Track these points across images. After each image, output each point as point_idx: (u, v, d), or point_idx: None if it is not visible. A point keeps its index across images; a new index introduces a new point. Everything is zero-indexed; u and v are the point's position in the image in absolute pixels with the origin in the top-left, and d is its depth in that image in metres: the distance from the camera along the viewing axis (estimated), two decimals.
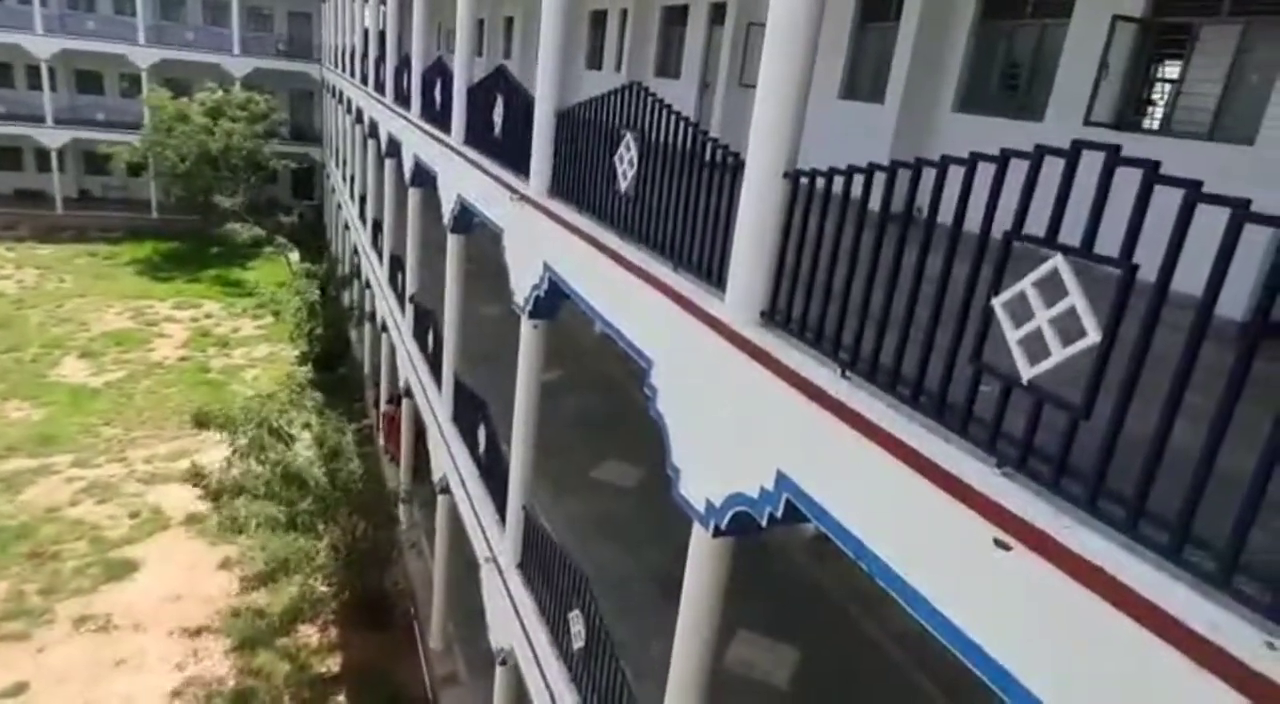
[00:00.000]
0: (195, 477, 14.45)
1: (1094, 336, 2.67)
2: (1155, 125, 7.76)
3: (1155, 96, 7.89)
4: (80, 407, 22.72)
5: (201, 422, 15.18)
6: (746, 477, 4.50)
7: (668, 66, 16.87)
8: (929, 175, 3.38)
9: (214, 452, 16.48)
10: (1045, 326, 2.84)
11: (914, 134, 9.74)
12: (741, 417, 4.69)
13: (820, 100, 9.42)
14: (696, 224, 5.17)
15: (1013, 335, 2.97)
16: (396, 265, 17.84)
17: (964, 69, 9.52)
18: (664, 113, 5.55)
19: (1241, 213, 2.26)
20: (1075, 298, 2.74)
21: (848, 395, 3.73)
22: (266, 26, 44.45)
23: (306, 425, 15.78)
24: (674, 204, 5.47)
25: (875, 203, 3.70)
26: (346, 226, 28.92)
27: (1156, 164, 2.48)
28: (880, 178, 3.66)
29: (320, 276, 29.47)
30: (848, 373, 3.81)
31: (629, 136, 6.16)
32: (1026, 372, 2.93)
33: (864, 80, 10.99)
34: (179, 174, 36.18)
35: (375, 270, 21.21)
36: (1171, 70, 7.70)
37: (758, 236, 4.45)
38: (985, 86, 9.48)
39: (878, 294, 3.67)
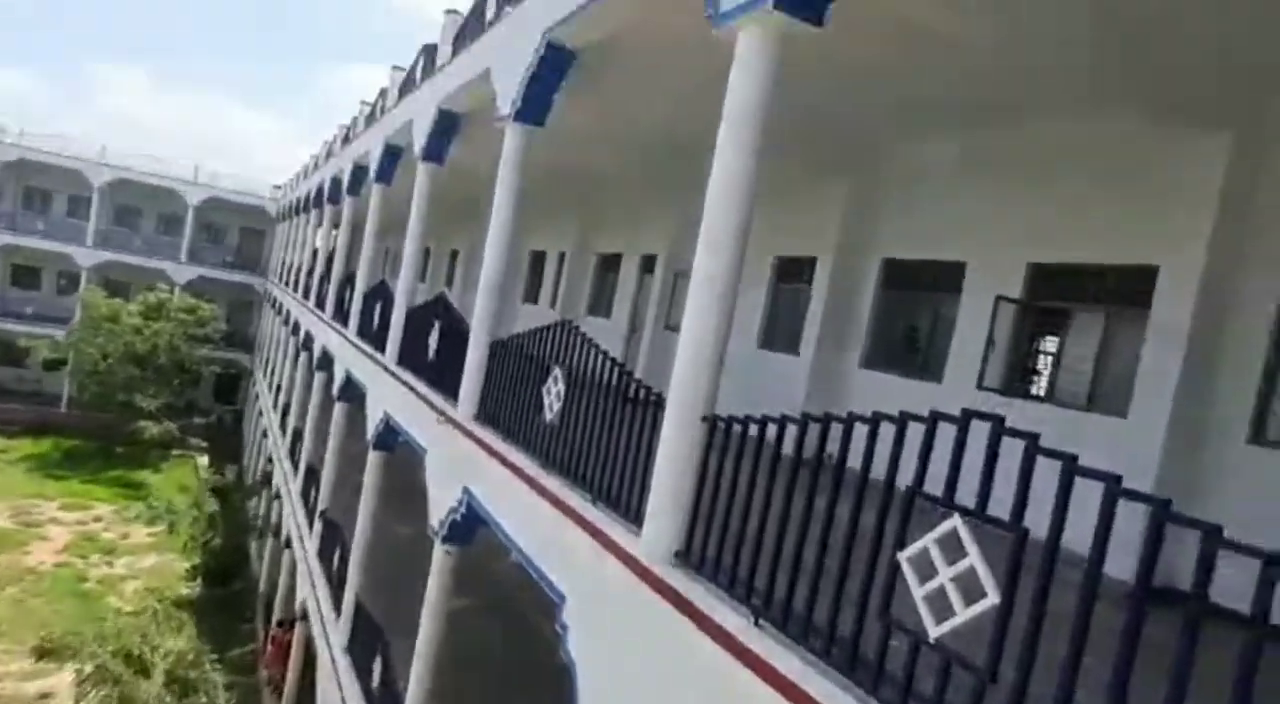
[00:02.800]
0: None
1: (993, 597, 2.75)
2: (1041, 393, 8.43)
3: (1039, 367, 8.64)
4: None
5: (45, 652, 13.67)
6: None
7: (600, 306, 17.83)
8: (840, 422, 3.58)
9: (70, 674, 14.71)
10: (948, 584, 2.91)
11: (826, 385, 10.33)
12: (655, 662, 4.51)
13: (741, 348, 10.03)
14: (617, 459, 5.26)
15: (918, 591, 3.03)
16: (311, 478, 17.30)
17: (870, 331, 10.35)
18: (592, 350, 5.82)
19: (1114, 488, 2.45)
20: (974, 558, 2.85)
21: (759, 644, 3.66)
22: (219, 239, 45.87)
23: (165, 655, 14.29)
24: (597, 438, 5.58)
25: (790, 445, 3.86)
26: (265, 434, 28.24)
27: (1036, 436, 2.70)
28: (793, 426, 3.85)
29: (227, 484, 28.22)
30: (760, 621, 3.77)
31: (557, 370, 6.39)
32: (933, 629, 2.95)
33: (781, 333, 11.79)
34: (97, 371, 35.37)
35: (289, 481, 20.49)
36: (1051, 346, 8.51)
37: (676, 476, 4.54)
38: (889, 348, 10.27)
39: (790, 540, 3.73)
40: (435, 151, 11.26)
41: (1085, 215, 7.82)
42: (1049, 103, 7.60)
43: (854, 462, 3.42)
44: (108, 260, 40.56)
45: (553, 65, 7.60)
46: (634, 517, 4.93)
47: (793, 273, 11.74)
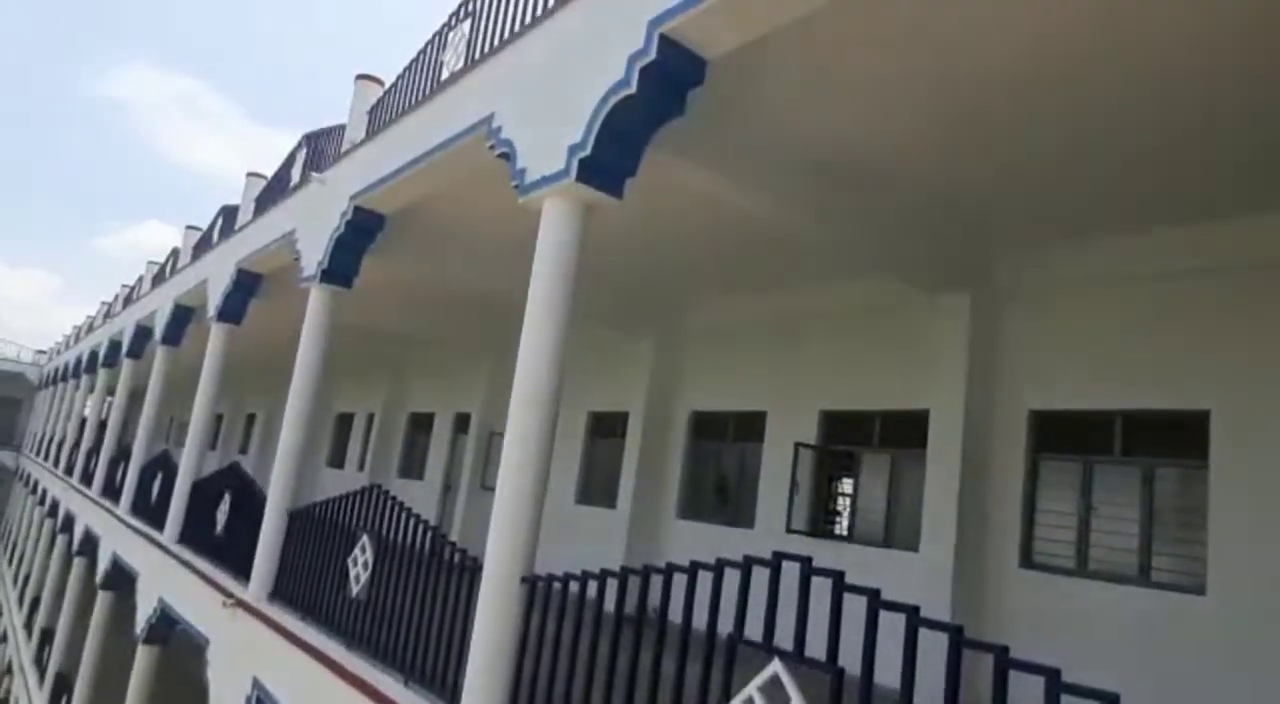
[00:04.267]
0: None
1: None
2: (845, 532, 8.91)
3: (840, 508, 9.18)
4: None
5: None
6: None
7: (411, 468, 17.17)
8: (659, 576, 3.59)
9: None
10: None
11: (644, 536, 10.37)
12: None
13: (559, 505, 9.94)
14: (431, 632, 4.94)
15: None
16: (62, 688, 14.79)
17: (683, 481, 10.62)
18: (404, 515, 5.56)
19: (914, 619, 2.61)
20: (797, 701, 2.88)
21: None
22: None
23: None
24: (409, 609, 5.24)
25: (611, 600, 3.80)
26: (3, 638, 24.04)
27: (841, 574, 2.85)
28: (614, 581, 3.82)
29: None
30: None
31: (365, 538, 6.03)
32: None
33: (598, 488, 11.83)
34: None
35: (30, 693, 17.37)
36: (849, 487, 9.10)
37: (495, 643, 4.32)
38: (702, 497, 10.56)
39: (618, 700, 3.61)
40: (233, 311, 10.76)
41: (866, 366, 8.65)
42: (824, 269, 8.52)
43: (675, 613, 3.43)
44: None
45: (361, 229, 7.64)
46: (450, 694, 4.60)
47: (607, 427, 11.96)
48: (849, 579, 2.84)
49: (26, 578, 23.56)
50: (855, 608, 2.77)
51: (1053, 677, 2.25)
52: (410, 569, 5.37)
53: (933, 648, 2.60)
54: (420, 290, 11.24)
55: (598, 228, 4.87)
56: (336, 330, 8.07)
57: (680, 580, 3.48)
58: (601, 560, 4.22)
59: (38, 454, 29.62)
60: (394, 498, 5.83)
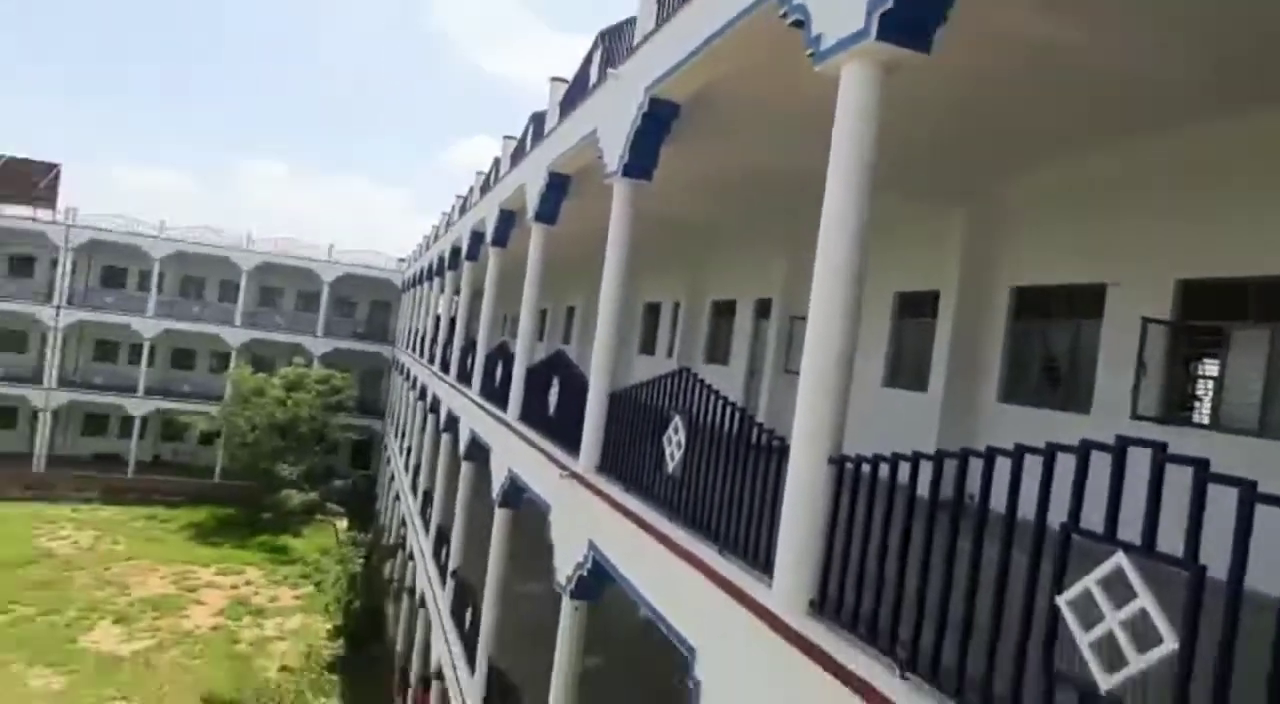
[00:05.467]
0: None
1: (1170, 644, 2.48)
2: (1204, 420, 7.75)
3: (1200, 392, 7.96)
4: (103, 677, 21.88)
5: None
6: None
7: (717, 353, 17.76)
8: (978, 461, 3.38)
9: None
10: (1118, 630, 2.66)
11: (959, 421, 9.85)
12: None
13: (864, 388, 9.73)
14: (743, 508, 5.14)
15: (1083, 639, 2.77)
16: (442, 538, 17.76)
17: (1004, 362, 9.83)
18: (712, 397, 5.76)
19: None
20: (1145, 600, 2.59)
21: (907, 698, 3.43)
22: (350, 313, 48.70)
23: None
24: (720, 487, 5.48)
25: (924, 486, 3.66)
26: (398, 497, 29.32)
27: (1206, 462, 2.45)
28: (927, 464, 3.66)
29: (365, 546, 29.40)
30: (906, 673, 3.54)
31: (677, 419, 6.35)
32: (1104, 680, 2.69)
33: (906, 370, 11.38)
34: (245, 443, 37.87)
35: (420, 542, 21.12)
36: (1212, 368, 7.84)
37: (804, 522, 4.39)
38: (1026, 379, 9.72)
39: (935, 586, 3.52)
40: (547, 212, 11.62)
41: (1238, 224, 7.26)
42: (1186, 108, 7.17)
43: (996, 502, 3.20)
44: (253, 338, 43.75)
45: (656, 119, 7.74)
46: (764, 566, 4.78)
47: (915, 307, 11.37)
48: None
49: (409, 450, 28.30)
50: (1221, 505, 2.38)
51: None
52: (720, 448, 5.58)
53: None
54: (717, 177, 11.29)
55: (901, 91, 4.47)
56: (640, 223, 8.38)
57: (1003, 465, 3.24)
58: (911, 445, 4.05)
59: (407, 347, 34.99)
60: (702, 381, 6.05)
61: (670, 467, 6.38)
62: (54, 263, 41.97)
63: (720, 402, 5.66)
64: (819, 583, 4.30)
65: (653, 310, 21.43)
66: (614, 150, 8.31)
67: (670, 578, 5.95)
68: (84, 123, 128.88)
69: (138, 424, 41.57)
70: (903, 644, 3.62)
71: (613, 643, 12.96)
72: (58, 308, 41.23)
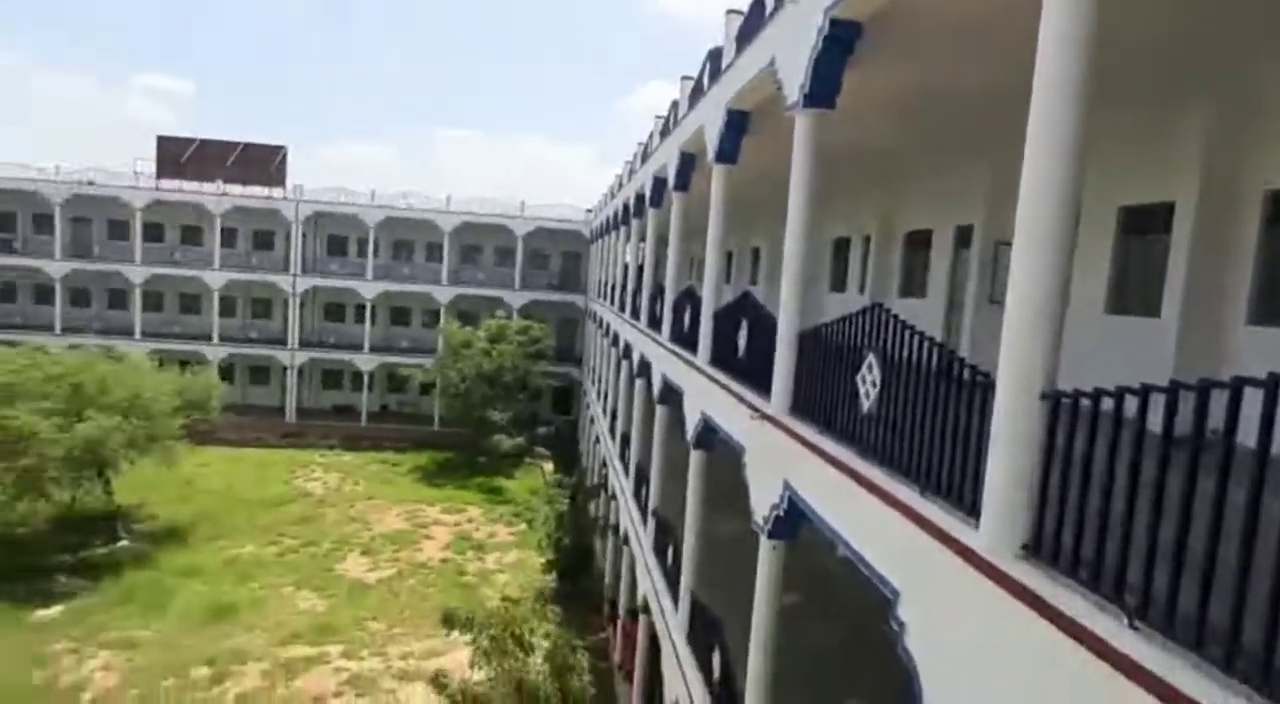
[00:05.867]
0: (439, 687, 14.85)
1: None
2: None
3: None
4: (355, 601, 24.79)
5: (449, 620, 15.89)
6: None
7: (912, 287, 16.92)
8: (1220, 393, 3.00)
9: (460, 653, 17.07)
10: None
11: (1198, 348, 8.79)
12: (1004, 666, 4.12)
13: (1082, 316, 8.92)
14: (945, 446, 4.90)
15: None
16: (641, 478, 18.40)
17: (1254, 280, 8.63)
18: (907, 333, 5.50)
19: None
20: None
21: (1138, 649, 3.17)
22: (543, 265, 50.83)
23: (546, 635, 15.98)
24: (920, 425, 5.26)
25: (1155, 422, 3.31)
26: (597, 440, 30.63)
27: None
28: (1159, 398, 3.30)
29: (570, 487, 31.09)
30: (1136, 622, 3.27)
31: (871, 356, 6.13)
32: None
33: (1133, 293, 10.29)
34: (458, 392, 40.90)
35: (621, 483, 22.00)
36: None
37: (1014, 463, 4.12)
38: None
39: (1168, 529, 3.19)
40: (728, 152, 11.44)
41: None
42: None
43: (1245, 437, 2.83)
44: (458, 294, 46.87)
45: (838, 42, 7.34)
46: (969, 508, 4.56)
47: (1143, 222, 10.21)
48: None
49: (605, 395, 29.38)
50: None
51: None
52: (918, 385, 5.34)
53: None
54: (906, 101, 10.60)
55: None
56: (824, 155, 8.05)
57: (1253, 397, 2.85)
58: (1141, 377, 3.66)
59: (598, 296, 36.10)
60: (896, 316, 5.79)
61: (865, 406, 6.19)
62: (287, 235, 46.77)
63: (917, 337, 5.39)
64: (1033, 526, 4.04)
65: (841, 246, 20.71)
66: (794, 79, 7.99)
67: (869, 519, 5.82)
68: (294, 110, 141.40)
69: (366, 378, 46.02)
70: (1132, 590, 3.34)
71: (812, 581, 12.97)
72: (294, 276, 46.07)
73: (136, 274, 44.85)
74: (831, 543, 6.85)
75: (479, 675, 15.06)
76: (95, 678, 19.76)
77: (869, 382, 6.17)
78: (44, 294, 45.48)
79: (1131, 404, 3.46)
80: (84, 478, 28.09)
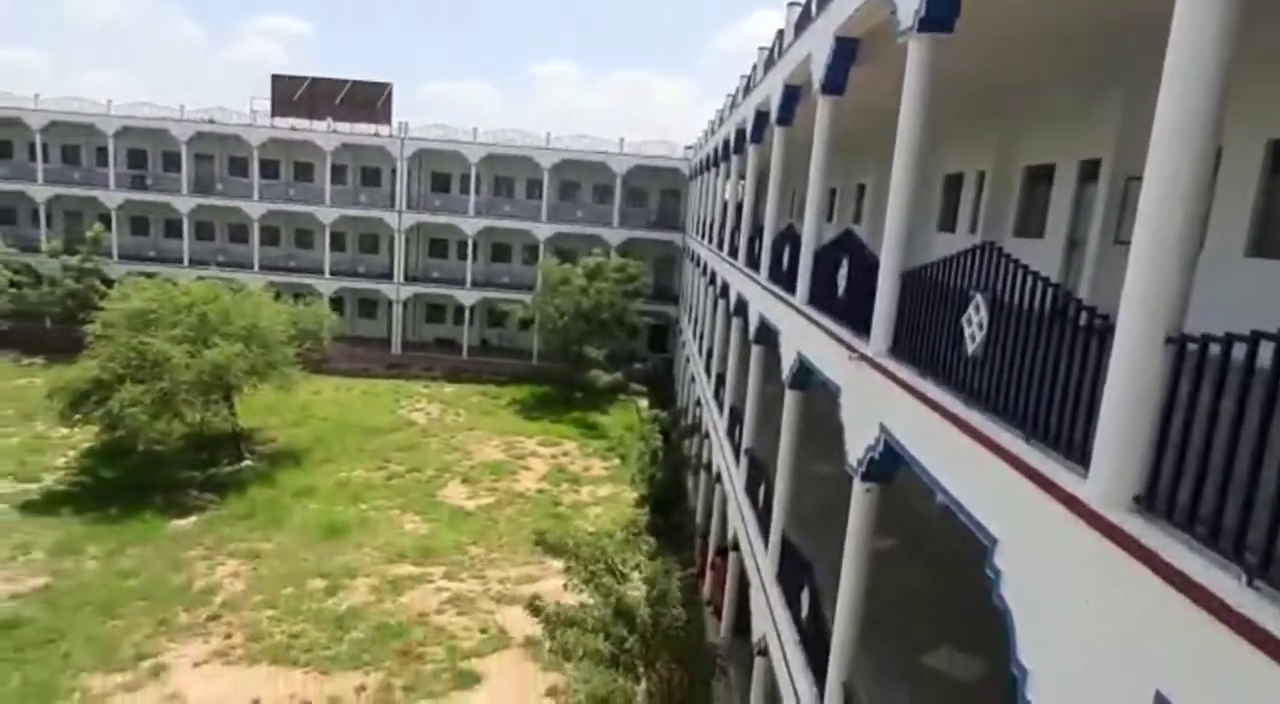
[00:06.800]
0: (534, 610, 15.41)
1: None
2: None
3: None
4: (456, 526, 25.96)
5: (547, 546, 16.47)
6: (1112, 697, 3.75)
7: (1029, 226, 16.04)
8: None
9: (554, 580, 17.74)
10: None
11: None
12: (1106, 620, 3.97)
13: (1220, 258, 8.29)
14: (1054, 392, 4.68)
15: None
16: (735, 418, 18.40)
17: None
18: (1020, 272, 5.23)
19: None
20: None
21: (1258, 610, 3.00)
22: (642, 203, 50.57)
23: (638, 566, 16.38)
24: (1028, 370, 5.02)
25: None
26: (693, 379, 30.72)
27: None
28: None
29: (664, 424, 31.41)
30: (1256, 581, 3.08)
31: (979, 297, 5.87)
32: None
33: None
34: (556, 328, 41.61)
35: (715, 421, 22.07)
36: None
37: (1132, 410, 3.89)
38: None
39: None
40: (835, 82, 10.98)
41: None
42: None
43: None
44: (557, 232, 47.22)
45: None
46: (1078, 456, 4.36)
47: None
48: None
49: (701, 334, 29.33)
50: None
51: None
52: (1029, 329, 5.09)
53: None
54: (1031, 23, 9.90)
55: None
56: (939, 85, 7.61)
57: None
58: None
59: (696, 234, 35.77)
60: (1008, 255, 5.50)
61: (970, 348, 5.96)
62: (393, 172, 47.90)
63: (1030, 277, 5.11)
64: (1147, 477, 3.84)
65: (953, 183, 19.75)
66: (909, 2, 7.55)
67: (968, 464, 5.65)
68: (397, 47, 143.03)
69: (467, 312, 47.28)
70: (1252, 548, 3.14)
71: (904, 525, 12.80)
72: (399, 212, 47.35)
73: (254, 209, 46.98)
74: (925, 487, 6.70)
75: (572, 599, 15.62)
76: (224, 583, 21.48)
77: (975, 323, 5.92)
78: (173, 228, 48.30)
79: (1265, 352, 3.21)
80: (211, 400, 30.07)
